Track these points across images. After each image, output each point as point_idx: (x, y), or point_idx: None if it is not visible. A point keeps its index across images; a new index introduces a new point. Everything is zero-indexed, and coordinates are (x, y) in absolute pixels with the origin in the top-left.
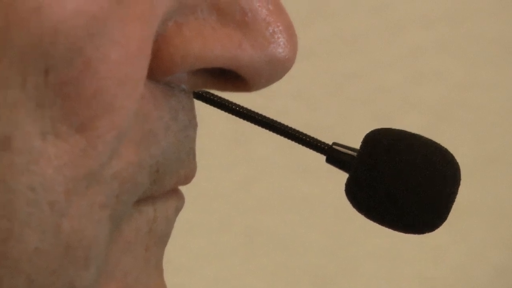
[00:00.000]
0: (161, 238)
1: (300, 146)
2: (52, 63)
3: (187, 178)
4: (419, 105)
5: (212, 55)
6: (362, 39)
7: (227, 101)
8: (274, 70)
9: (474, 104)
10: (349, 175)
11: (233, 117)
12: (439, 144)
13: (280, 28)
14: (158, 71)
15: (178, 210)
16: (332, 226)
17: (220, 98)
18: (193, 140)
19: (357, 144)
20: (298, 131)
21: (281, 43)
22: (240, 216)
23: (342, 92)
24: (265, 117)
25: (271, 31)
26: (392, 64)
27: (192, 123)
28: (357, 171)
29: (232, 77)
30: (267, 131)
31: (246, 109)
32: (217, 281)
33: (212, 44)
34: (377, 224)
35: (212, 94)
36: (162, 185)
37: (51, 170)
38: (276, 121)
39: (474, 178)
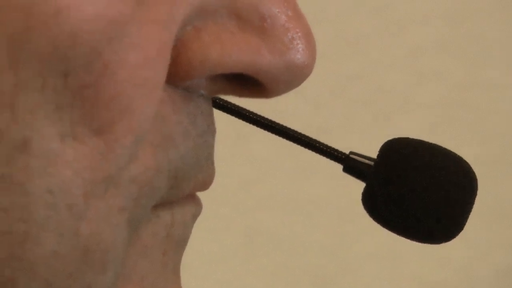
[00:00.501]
0: (179, 243)
1: (300, 146)
2: (71, 67)
3: (205, 184)
4: (419, 105)
5: (230, 60)
6: (363, 40)
7: (239, 107)
8: (292, 76)
9: (474, 104)
10: (366, 184)
11: (233, 117)
12: (456, 154)
13: (299, 34)
14: (177, 76)
15: (195, 215)
16: (332, 226)
17: (230, 103)
18: (211, 145)
19: (357, 145)
20: (314, 140)
21: (300, 49)
22: (240, 216)
23: (344, 92)
24: (280, 124)
25: (290, 37)
26: (392, 64)
27: (210, 129)
28: (374, 181)
29: (251, 83)
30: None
31: (261, 116)
32: (217, 281)
33: (231, 49)
34: (377, 224)
35: (224, 101)
36: (180, 190)
37: (69, 173)
38: (292, 129)
39: None
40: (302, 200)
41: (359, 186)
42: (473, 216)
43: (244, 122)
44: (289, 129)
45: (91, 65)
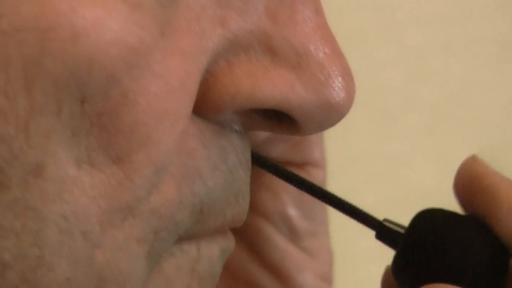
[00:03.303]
0: (204, 278)
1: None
2: (88, 93)
3: (235, 221)
4: (419, 105)
5: (262, 95)
6: (363, 40)
7: (272, 162)
8: (327, 115)
9: (474, 104)
10: (396, 252)
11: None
12: (488, 228)
13: (336, 72)
14: (207, 110)
15: (224, 251)
16: (332, 226)
17: (263, 157)
18: (243, 182)
19: (357, 145)
20: (350, 204)
21: (336, 87)
22: None
23: None
24: (317, 186)
25: (325, 74)
26: (392, 64)
27: (243, 165)
28: (404, 249)
29: (285, 120)
30: None
31: (300, 177)
32: None
33: (263, 84)
34: None
35: (257, 154)
36: (207, 225)
37: (85, 199)
38: (329, 192)
39: None
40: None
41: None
42: None
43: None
44: (327, 192)
45: (109, 92)
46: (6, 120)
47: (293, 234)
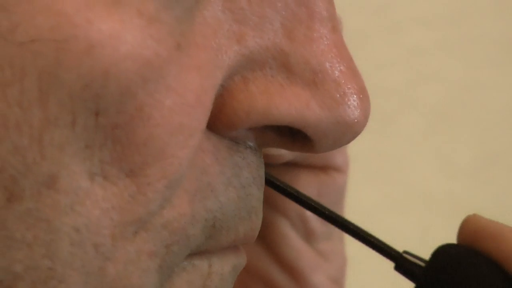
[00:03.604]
0: None
1: None
2: (102, 106)
3: (247, 237)
4: (419, 105)
5: (277, 112)
6: (363, 40)
7: (293, 188)
8: (341, 133)
9: (474, 104)
10: (415, 285)
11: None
12: (505, 269)
13: (351, 90)
14: (222, 126)
15: (236, 268)
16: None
17: (282, 182)
18: (256, 198)
19: (357, 145)
20: (370, 235)
21: (351, 105)
22: None
23: None
24: (338, 215)
25: (341, 93)
26: (392, 64)
27: (256, 181)
28: (425, 282)
29: (300, 137)
30: None
31: (319, 204)
32: None
33: (279, 101)
34: (377, 223)
35: (276, 178)
36: (218, 241)
37: (97, 212)
38: (349, 221)
39: (474, 178)
40: None
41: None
42: None
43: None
44: (347, 220)
45: (124, 105)
46: (20, 131)
47: (309, 235)
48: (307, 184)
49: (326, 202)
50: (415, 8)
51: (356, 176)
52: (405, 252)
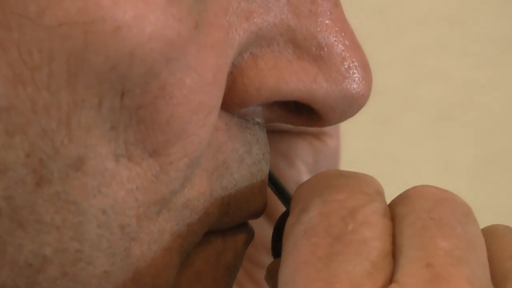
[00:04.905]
0: (229, 270)
1: None
2: (128, 86)
3: (257, 213)
4: (419, 105)
5: (287, 88)
6: (362, 40)
7: None
8: (347, 106)
9: (474, 104)
10: None
11: None
12: None
13: (356, 63)
14: (233, 103)
15: (247, 243)
16: None
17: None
18: (265, 174)
19: (357, 144)
20: None
21: (356, 78)
22: None
23: None
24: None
25: (346, 66)
26: (392, 64)
27: (265, 157)
28: None
29: (306, 112)
30: None
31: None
32: None
33: (288, 77)
34: None
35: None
36: (232, 218)
37: (123, 193)
38: None
39: (475, 178)
40: None
41: None
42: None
43: None
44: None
45: (148, 85)
46: (49, 115)
47: None
48: (303, 153)
49: (322, 167)
50: (415, 8)
51: None
52: None
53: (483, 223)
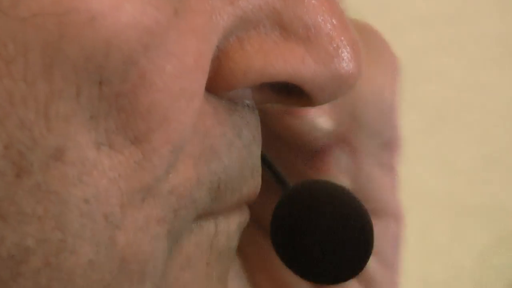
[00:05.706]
0: (223, 253)
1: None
2: (106, 76)
3: (250, 196)
4: (419, 105)
5: (274, 70)
6: None
7: None
8: (337, 86)
9: (474, 104)
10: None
11: None
12: (360, 203)
13: (344, 42)
14: (220, 87)
15: (241, 225)
16: None
17: None
18: (256, 156)
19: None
20: None
21: (345, 58)
22: None
23: None
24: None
25: (334, 45)
26: None
27: (256, 140)
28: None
29: (296, 93)
30: None
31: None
32: None
33: (274, 59)
34: None
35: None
36: (224, 201)
37: (105, 182)
38: None
39: (474, 178)
40: None
41: None
42: (472, 215)
43: None
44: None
45: (127, 73)
46: (26, 106)
47: None
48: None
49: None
50: (415, 8)
51: None
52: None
53: (483, 223)
